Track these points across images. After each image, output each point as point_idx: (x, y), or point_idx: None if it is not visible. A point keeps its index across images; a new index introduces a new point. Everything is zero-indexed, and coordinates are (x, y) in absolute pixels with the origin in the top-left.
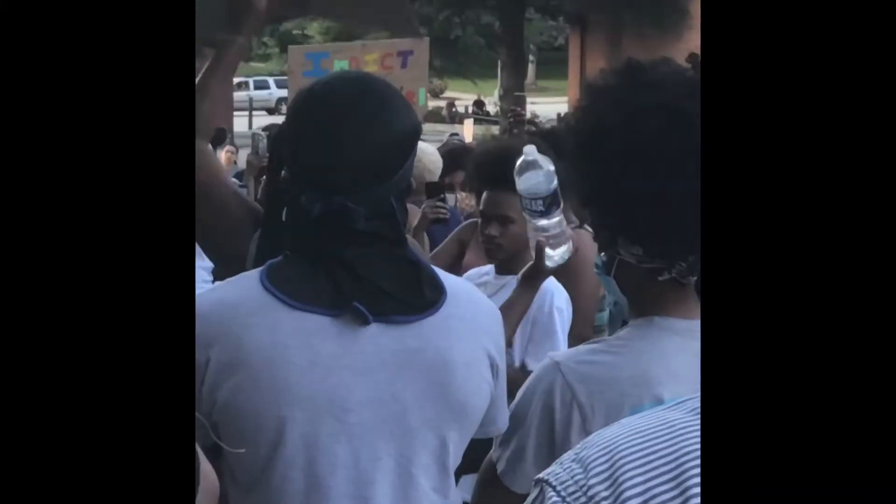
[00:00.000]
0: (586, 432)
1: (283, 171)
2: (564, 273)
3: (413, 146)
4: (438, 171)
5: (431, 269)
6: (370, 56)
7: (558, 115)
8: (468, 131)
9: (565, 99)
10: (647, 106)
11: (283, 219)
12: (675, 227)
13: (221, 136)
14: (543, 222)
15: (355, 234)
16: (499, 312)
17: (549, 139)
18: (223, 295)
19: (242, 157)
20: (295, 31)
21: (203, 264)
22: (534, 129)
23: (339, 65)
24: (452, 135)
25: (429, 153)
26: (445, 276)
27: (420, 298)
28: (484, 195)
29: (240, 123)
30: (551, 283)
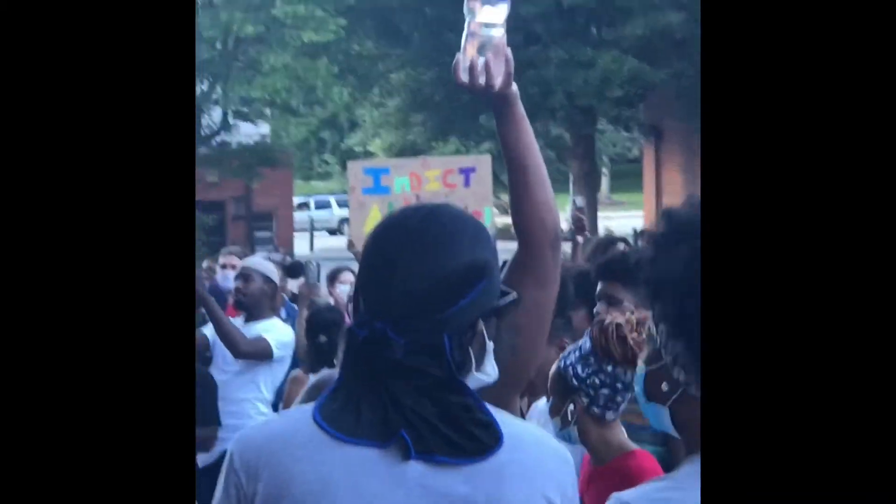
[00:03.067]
0: None
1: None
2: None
3: (475, 285)
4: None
5: (487, 412)
6: (431, 172)
7: (634, 230)
8: None
9: (641, 213)
10: None
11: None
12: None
13: (297, 268)
14: (488, 15)
15: (397, 366)
16: (570, 457)
17: (620, 265)
18: (275, 428)
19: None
20: (357, 148)
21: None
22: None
23: (400, 181)
24: None
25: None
26: (506, 420)
27: (470, 442)
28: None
29: (301, 245)
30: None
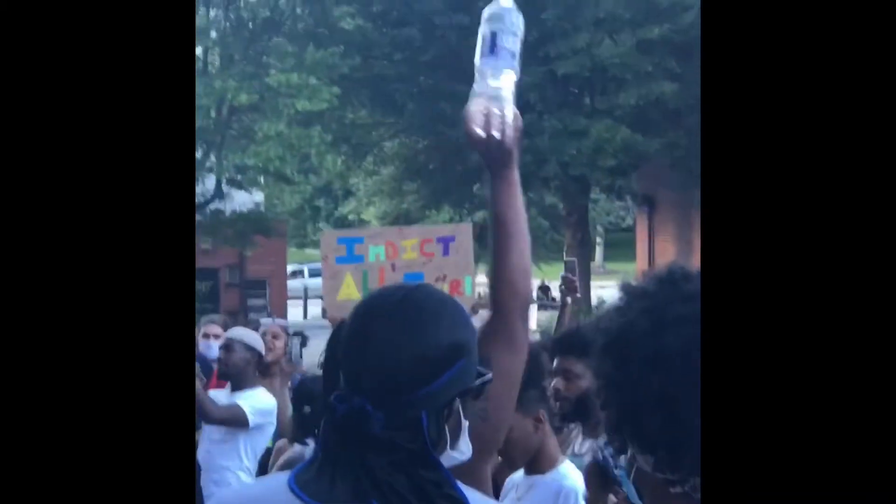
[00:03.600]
0: None
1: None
2: None
3: (451, 364)
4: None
5: (458, 489)
6: (408, 242)
7: None
8: (532, 319)
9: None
10: (679, 317)
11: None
12: (688, 441)
13: (304, 337)
14: (498, 81)
15: (374, 440)
16: None
17: (574, 338)
18: (249, 490)
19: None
20: (351, 216)
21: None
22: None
23: (375, 250)
24: None
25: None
26: (477, 498)
27: None
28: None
29: (294, 313)
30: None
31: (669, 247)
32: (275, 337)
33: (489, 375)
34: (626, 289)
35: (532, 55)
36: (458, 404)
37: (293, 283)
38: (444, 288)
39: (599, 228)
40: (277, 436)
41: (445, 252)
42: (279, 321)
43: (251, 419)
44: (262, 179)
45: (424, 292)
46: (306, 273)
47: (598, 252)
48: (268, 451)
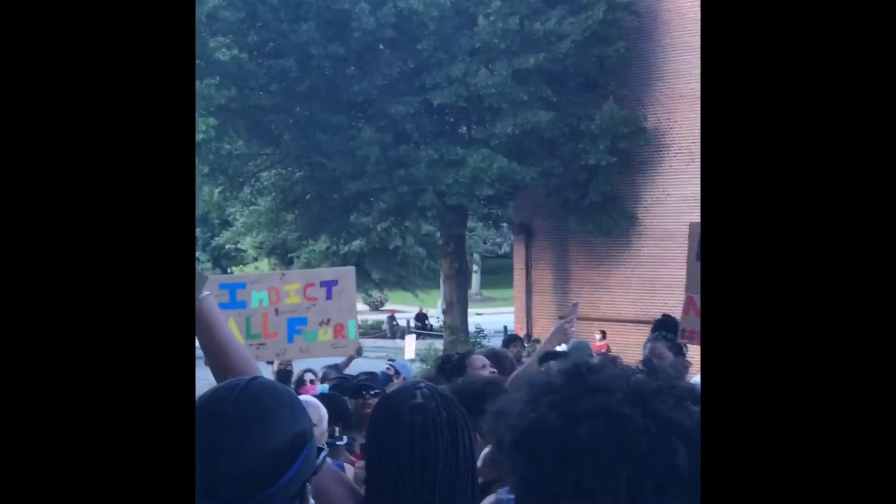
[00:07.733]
0: None
1: None
2: None
3: (298, 453)
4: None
5: None
6: (290, 286)
7: (504, 328)
8: (410, 347)
9: (511, 309)
10: (587, 411)
11: None
12: None
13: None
14: None
15: None
16: None
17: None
18: None
19: None
20: (228, 246)
21: None
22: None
23: (258, 296)
24: (389, 360)
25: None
26: None
27: None
28: None
29: None
30: None
31: (546, 275)
32: None
33: (325, 451)
34: (531, 385)
35: (408, 85)
36: (307, 488)
37: None
38: (329, 332)
39: (476, 256)
40: None
41: (329, 296)
42: None
43: None
44: None
45: (259, 386)
46: None
47: (475, 279)
48: None
